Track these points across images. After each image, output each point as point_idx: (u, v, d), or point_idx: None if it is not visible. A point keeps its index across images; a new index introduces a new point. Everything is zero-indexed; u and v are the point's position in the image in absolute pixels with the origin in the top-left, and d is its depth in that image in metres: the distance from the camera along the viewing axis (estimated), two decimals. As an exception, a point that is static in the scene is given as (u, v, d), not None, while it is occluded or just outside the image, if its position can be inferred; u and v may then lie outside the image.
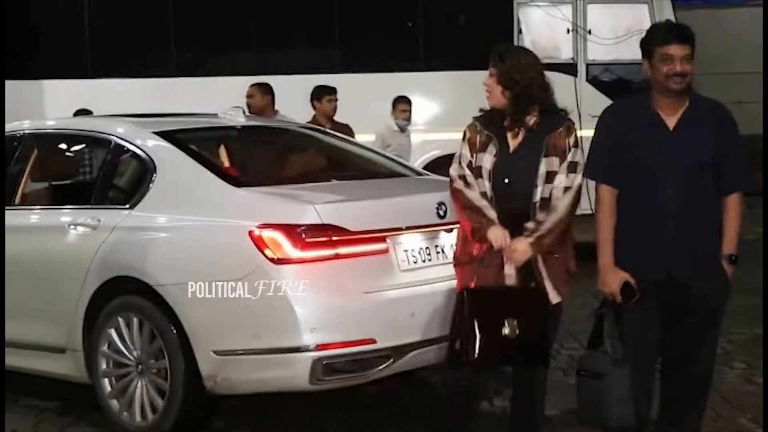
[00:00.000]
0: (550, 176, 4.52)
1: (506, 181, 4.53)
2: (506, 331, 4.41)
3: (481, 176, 4.57)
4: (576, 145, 4.57)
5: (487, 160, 4.56)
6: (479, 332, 4.38)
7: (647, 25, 11.54)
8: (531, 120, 4.56)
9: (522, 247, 4.45)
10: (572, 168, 4.54)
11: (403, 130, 10.30)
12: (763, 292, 7.17)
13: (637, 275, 4.26)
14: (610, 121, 4.44)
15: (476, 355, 4.39)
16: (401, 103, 10.27)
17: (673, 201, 4.22)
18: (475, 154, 4.60)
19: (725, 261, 4.27)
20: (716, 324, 4.42)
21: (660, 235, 4.24)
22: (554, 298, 4.56)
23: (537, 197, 4.51)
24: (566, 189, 4.51)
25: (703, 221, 4.25)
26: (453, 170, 4.65)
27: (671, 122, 4.25)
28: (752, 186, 4.32)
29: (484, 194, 4.54)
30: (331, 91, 9.32)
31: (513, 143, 4.59)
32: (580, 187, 4.54)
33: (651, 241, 4.27)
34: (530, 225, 4.47)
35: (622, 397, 4.33)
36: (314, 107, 9.28)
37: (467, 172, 4.59)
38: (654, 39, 4.23)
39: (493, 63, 4.60)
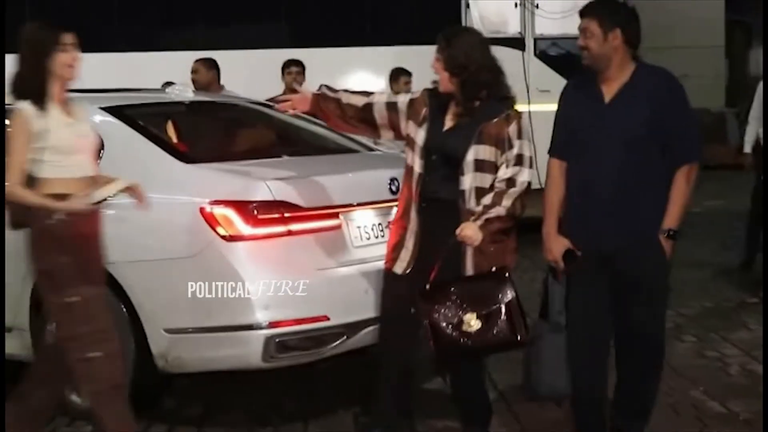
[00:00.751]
0: (480, 165, 4.42)
1: (433, 158, 4.49)
2: (465, 326, 4.33)
3: (412, 149, 4.54)
4: (520, 136, 4.46)
5: (420, 136, 4.53)
6: (434, 330, 4.33)
7: (595, -1, 11.65)
8: (476, 104, 4.49)
9: (471, 232, 4.36)
10: (517, 160, 4.44)
11: None
12: (763, 292, 7.25)
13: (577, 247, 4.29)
14: (562, 97, 4.48)
15: (434, 352, 4.36)
16: (403, 75, 9.64)
17: (604, 175, 4.21)
18: (412, 124, 4.58)
19: (662, 235, 4.20)
20: (659, 298, 4.38)
21: (590, 210, 4.25)
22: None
23: (465, 185, 4.42)
24: (509, 181, 4.41)
25: (637, 196, 4.20)
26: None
27: (609, 95, 4.25)
28: (696, 157, 4.25)
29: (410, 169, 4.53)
30: (296, 63, 9.12)
31: (448, 124, 4.54)
32: (527, 184, 4.44)
33: (582, 216, 4.28)
34: (477, 208, 4.39)
35: (552, 364, 4.36)
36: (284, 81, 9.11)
37: (401, 107, 4.63)
38: None
39: (440, 48, 4.52)
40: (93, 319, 4.25)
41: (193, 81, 8.85)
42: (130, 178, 5.23)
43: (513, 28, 11.68)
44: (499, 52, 10.63)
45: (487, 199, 4.40)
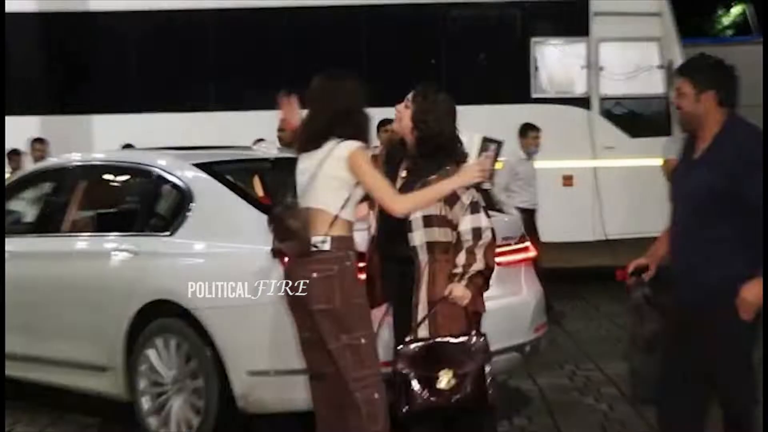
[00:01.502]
0: (428, 220, 4.22)
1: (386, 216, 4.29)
2: (442, 384, 4.13)
3: (373, 208, 4.42)
4: (467, 187, 4.26)
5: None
6: (414, 386, 4.14)
7: (656, 61, 11.51)
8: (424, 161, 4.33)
9: (460, 292, 4.16)
10: (474, 208, 4.24)
11: (530, 157, 9.70)
12: (763, 295, 7.00)
13: None
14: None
15: (406, 411, 4.15)
16: (529, 130, 9.70)
17: (680, 233, 4.02)
18: None
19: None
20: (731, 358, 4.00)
21: (674, 266, 4.08)
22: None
23: (415, 241, 4.24)
24: (474, 232, 4.20)
25: (702, 256, 3.92)
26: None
27: (698, 152, 4.03)
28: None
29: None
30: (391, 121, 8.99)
31: (399, 182, 4.38)
32: (491, 230, 4.24)
33: (671, 270, 4.10)
34: (458, 270, 4.17)
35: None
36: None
37: None
38: None
39: (416, 99, 4.36)
40: (375, 361, 4.24)
41: (279, 138, 8.93)
42: (216, 228, 5.33)
43: (580, 89, 11.62)
44: (566, 110, 10.63)
45: (462, 259, 4.19)
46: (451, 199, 4.24)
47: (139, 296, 5.37)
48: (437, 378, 4.13)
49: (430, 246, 4.24)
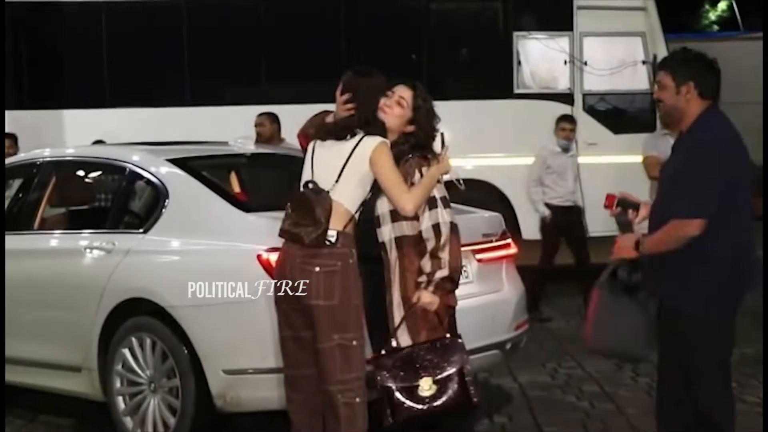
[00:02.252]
0: (396, 215, 4.30)
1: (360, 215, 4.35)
2: (424, 389, 4.20)
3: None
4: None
5: None
6: (398, 398, 4.19)
7: (641, 56, 11.62)
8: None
9: (429, 299, 4.25)
10: (431, 203, 4.33)
11: (565, 150, 9.47)
12: (763, 296, 7.16)
13: None
14: None
15: (390, 420, 4.20)
16: (563, 122, 9.52)
17: (653, 222, 4.18)
18: None
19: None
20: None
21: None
22: (407, 341, 4.27)
23: (384, 237, 4.31)
24: (435, 228, 4.28)
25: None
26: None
27: (675, 143, 4.29)
28: (679, 214, 3.98)
29: None
30: None
31: None
32: (450, 223, 4.32)
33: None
34: (423, 278, 4.25)
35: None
36: None
37: None
38: None
39: (416, 95, 4.46)
40: (362, 365, 4.23)
41: (258, 134, 8.98)
42: (192, 225, 5.37)
43: (563, 84, 11.68)
44: (549, 106, 10.69)
45: (427, 266, 4.26)
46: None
47: (113, 294, 5.41)
48: (418, 386, 4.19)
49: (399, 241, 4.31)
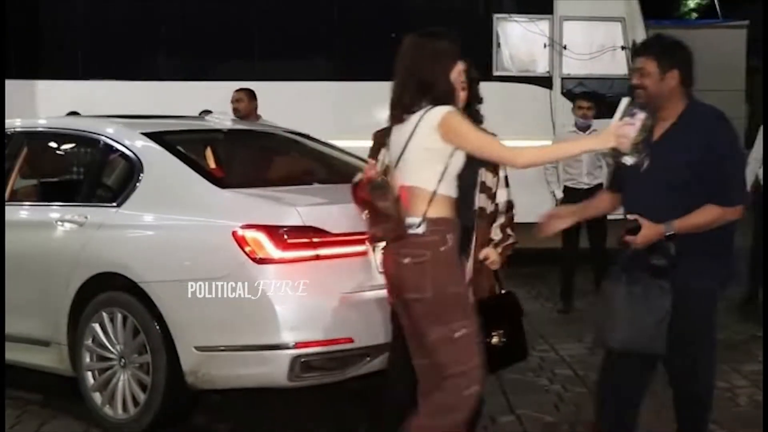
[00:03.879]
0: (483, 187, 4.44)
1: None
2: (494, 340, 4.40)
3: None
4: None
5: None
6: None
7: (620, 42, 11.62)
8: None
9: (496, 257, 4.49)
10: (506, 182, 4.58)
11: (583, 129, 8.89)
12: (763, 293, 7.22)
13: None
14: None
15: None
16: (579, 100, 9.08)
17: (647, 210, 4.04)
18: None
19: (664, 227, 4.00)
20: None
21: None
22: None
23: (475, 206, 4.42)
24: (508, 204, 4.56)
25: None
26: None
27: (657, 134, 4.10)
28: (734, 202, 4.04)
29: None
30: None
31: None
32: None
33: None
34: (495, 237, 4.48)
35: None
36: None
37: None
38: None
39: (468, 70, 4.39)
40: (474, 354, 3.97)
41: (236, 110, 8.91)
42: (166, 200, 5.32)
43: (541, 68, 11.69)
44: (528, 89, 10.67)
45: (497, 234, 4.48)
46: (493, 171, 4.45)
47: (84, 268, 5.36)
48: (487, 337, 4.34)
49: (480, 212, 4.46)
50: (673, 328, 4.04)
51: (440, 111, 3.89)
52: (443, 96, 3.95)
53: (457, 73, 4.07)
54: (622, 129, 3.80)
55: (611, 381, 4.31)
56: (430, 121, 3.89)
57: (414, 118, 3.94)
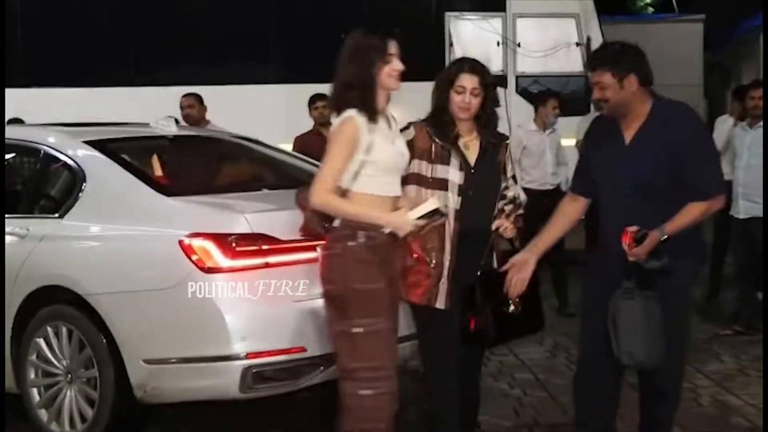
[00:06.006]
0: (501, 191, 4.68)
1: (470, 193, 4.53)
2: (511, 308, 4.54)
3: (431, 186, 4.50)
4: (512, 158, 4.80)
5: (453, 175, 4.50)
6: (493, 314, 4.51)
7: (574, 39, 11.71)
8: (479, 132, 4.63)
9: (508, 224, 4.58)
10: (514, 179, 4.77)
11: (545, 129, 9.00)
12: (763, 292, 7.31)
13: None
14: (586, 137, 4.56)
15: (494, 333, 4.54)
16: (552, 99, 9.12)
17: (614, 221, 4.16)
18: (421, 162, 4.52)
19: (655, 233, 4.09)
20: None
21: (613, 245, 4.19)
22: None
23: (496, 210, 4.62)
24: (515, 200, 4.69)
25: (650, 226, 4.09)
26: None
27: (629, 136, 4.20)
28: (715, 191, 4.18)
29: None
30: (321, 97, 8.38)
31: (471, 156, 4.59)
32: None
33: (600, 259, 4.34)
34: (508, 207, 4.62)
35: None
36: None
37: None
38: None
39: (477, 71, 4.55)
40: (373, 355, 4.04)
41: (188, 115, 8.84)
42: (111, 210, 5.27)
43: (495, 66, 11.73)
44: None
45: (508, 207, 4.64)
46: (504, 170, 4.69)
47: (27, 282, 5.30)
48: (505, 305, 4.52)
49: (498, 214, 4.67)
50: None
51: (342, 116, 4.08)
52: (360, 96, 4.07)
53: (387, 73, 4.13)
54: (416, 224, 4.09)
55: (591, 386, 4.41)
56: (334, 125, 4.13)
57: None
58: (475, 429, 5.12)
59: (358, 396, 4.09)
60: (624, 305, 4.16)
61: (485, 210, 4.61)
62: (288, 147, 6.73)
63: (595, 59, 4.31)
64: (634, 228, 4.07)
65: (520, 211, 4.70)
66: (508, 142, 4.75)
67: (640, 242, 4.05)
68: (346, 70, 4.13)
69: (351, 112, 4.06)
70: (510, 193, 4.68)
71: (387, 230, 4.09)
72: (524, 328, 4.78)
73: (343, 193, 4.09)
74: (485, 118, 4.60)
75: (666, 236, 4.06)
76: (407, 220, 4.08)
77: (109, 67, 11.51)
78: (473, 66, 4.59)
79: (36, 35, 11.45)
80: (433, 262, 4.49)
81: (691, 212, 4.11)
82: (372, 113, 4.08)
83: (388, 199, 4.17)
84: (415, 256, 4.47)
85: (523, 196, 4.77)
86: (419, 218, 4.09)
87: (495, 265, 4.66)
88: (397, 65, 4.16)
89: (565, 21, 11.70)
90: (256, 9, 11.68)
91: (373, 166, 4.08)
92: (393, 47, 4.15)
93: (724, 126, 9.11)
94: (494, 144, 4.64)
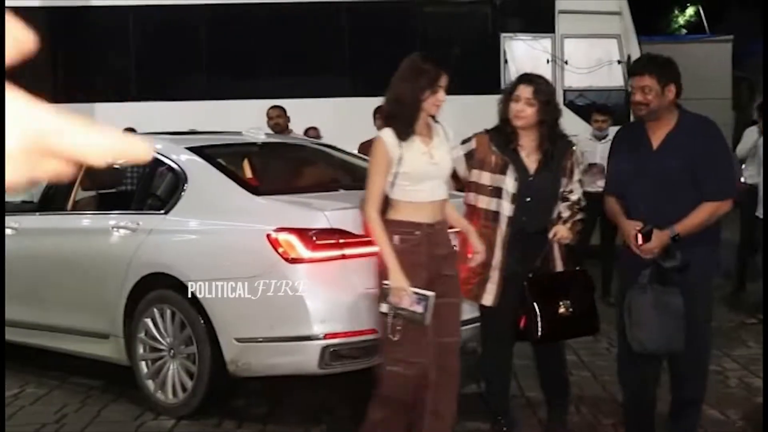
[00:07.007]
0: (562, 196, 4.48)
1: (528, 200, 4.40)
2: (561, 310, 4.39)
3: (488, 194, 4.41)
4: (578, 164, 4.57)
5: (508, 183, 4.38)
6: (540, 313, 4.36)
7: (616, 57, 11.53)
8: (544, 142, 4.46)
9: (566, 232, 4.41)
10: (580, 184, 4.57)
11: (599, 139, 8.86)
12: (763, 291, 7.11)
13: None
14: (614, 143, 4.44)
15: (539, 332, 4.38)
16: (596, 114, 9.14)
17: (649, 210, 4.08)
18: (479, 172, 4.43)
19: (667, 232, 4.01)
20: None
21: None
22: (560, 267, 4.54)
23: (553, 215, 4.47)
24: (577, 203, 4.50)
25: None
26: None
27: (656, 142, 4.13)
28: (724, 195, 4.10)
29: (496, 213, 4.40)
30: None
31: (531, 165, 4.44)
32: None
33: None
34: (564, 214, 4.43)
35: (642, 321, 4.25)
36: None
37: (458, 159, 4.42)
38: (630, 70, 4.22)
39: (529, 82, 4.42)
40: (406, 341, 4.02)
41: (276, 125, 8.88)
42: (208, 207, 5.32)
43: (545, 81, 11.61)
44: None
45: (566, 212, 4.43)
46: (569, 175, 4.48)
47: (137, 269, 5.36)
48: (557, 308, 4.37)
49: (557, 218, 4.51)
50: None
51: (380, 133, 4.04)
52: (403, 114, 4.01)
53: (432, 102, 4.04)
54: (405, 298, 3.96)
55: (636, 378, 4.35)
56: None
57: None
58: (564, 416, 4.84)
59: (388, 371, 4.13)
60: (635, 299, 4.11)
61: (542, 215, 4.43)
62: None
63: (642, 65, 4.22)
64: (639, 224, 4.00)
65: (579, 216, 4.48)
66: (575, 147, 4.56)
67: (648, 237, 3.98)
68: (399, 88, 4.05)
69: (381, 132, 4.05)
70: (574, 197, 4.48)
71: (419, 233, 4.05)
72: (578, 329, 4.60)
73: (386, 201, 4.05)
74: (547, 127, 4.42)
75: (677, 234, 3.98)
76: (402, 287, 3.98)
77: (206, 83, 11.62)
78: (529, 78, 4.50)
79: (145, 57, 11.60)
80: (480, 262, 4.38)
81: (702, 212, 4.04)
82: (405, 131, 4.00)
83: (425, 204, 4.09)
84: (469, 255, 4.40)
85: (575, 196, 4.56)
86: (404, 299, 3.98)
87: (557, 266, 4.49)
88: (441, 97, 4.06)
89: (608, 41, 11.52)
90: (330, 34, 11.70)
91: (406, 177, 4.02)
92: (443, 80, 4.04)
93: (752, 135, 8.89)
94: (557, 150, 4.44)
